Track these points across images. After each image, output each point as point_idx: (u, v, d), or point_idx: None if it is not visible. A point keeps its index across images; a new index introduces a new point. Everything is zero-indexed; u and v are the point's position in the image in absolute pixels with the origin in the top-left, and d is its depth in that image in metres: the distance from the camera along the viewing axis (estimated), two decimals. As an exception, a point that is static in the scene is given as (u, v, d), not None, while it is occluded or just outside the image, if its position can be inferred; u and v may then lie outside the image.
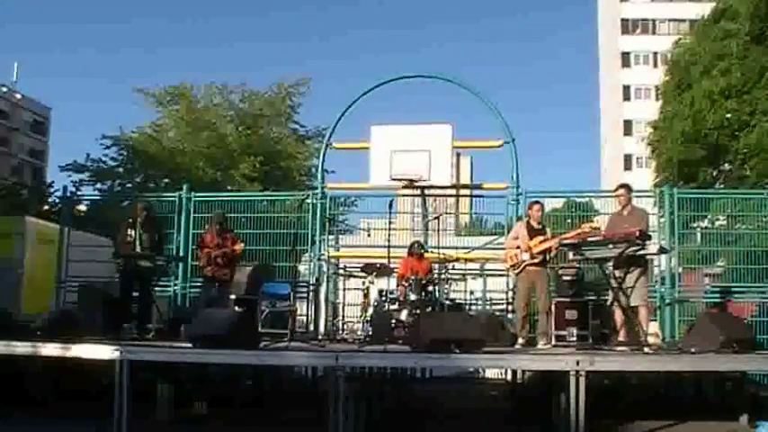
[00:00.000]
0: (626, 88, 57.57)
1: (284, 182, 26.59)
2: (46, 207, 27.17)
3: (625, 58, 58.16)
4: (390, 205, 10.41)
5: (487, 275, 13.24)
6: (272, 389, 10.26)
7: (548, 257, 9.97)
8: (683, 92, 22.36)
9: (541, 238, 9.81)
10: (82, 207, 19.17)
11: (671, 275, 11.92)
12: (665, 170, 23.08)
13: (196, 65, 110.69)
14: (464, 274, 13.07)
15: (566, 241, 9.34)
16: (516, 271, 9.99)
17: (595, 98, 61.13)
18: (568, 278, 10.73)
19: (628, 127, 55.91)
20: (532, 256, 9.72)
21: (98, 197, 24.64)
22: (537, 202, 10.27)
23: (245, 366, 9.15)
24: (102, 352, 7.84)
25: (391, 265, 10.68)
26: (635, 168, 52.72)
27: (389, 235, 10.16)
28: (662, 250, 10.00)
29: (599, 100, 60.13)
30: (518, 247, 9.86)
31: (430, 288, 10.62)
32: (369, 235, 12.85)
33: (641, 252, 8.64)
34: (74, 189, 24.66)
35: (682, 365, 7.77)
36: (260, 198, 15.16)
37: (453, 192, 14.37)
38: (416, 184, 12.48)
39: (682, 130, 21.46)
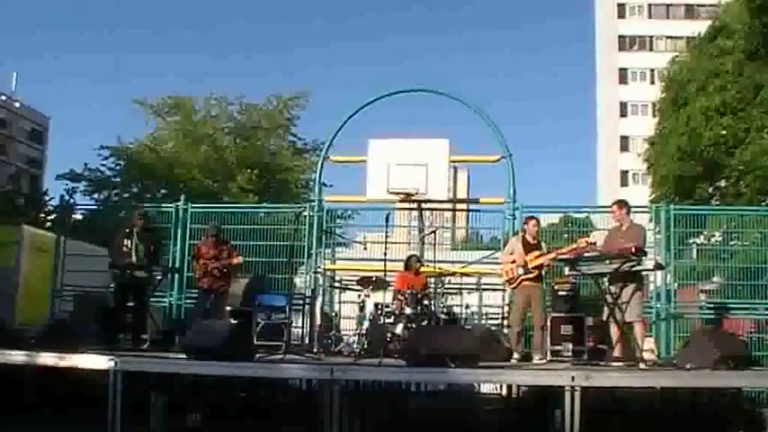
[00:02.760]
0: (623, 104, 57.81)
1: (281, 194, 26.59)
2: (41, 215, 27.13)
3: (622, 75, 58.41)
4: (387, 219, 10.41)
5: (483, 290, 13.25)
6: (267, 401, 10.22)
7: (543, 272, 9.99)
8: (679, 108, 22.49)
9: (537, 252, 9.83)
10: (77, 216, 19.14)
11: (666, 291, 11.92)
12: (662, 186, 23.17)
13: (195, 74, 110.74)
14: (460, 289, 13.07)
15: (562, 256, 9.36)
16: (512, 286, 10.00)
17: (592, 114, 61.36)
18: (564, 293, 10.71)
19: (624, 143, 56.10)
20: (528, 271, 9.73)
21: (95, 206, 24.63)
22: (533, 218, 10.31)
23: (240, 378, 9.11)
24: (97, 362, 7.82)
25: (387, 279, 10.67)
26: (631, 184, 52.86)
27: (386, 248, 10.16)
28: (658, 266, 10.01)
29: (596, 115, 60.31)
30: (514, 262, 9.88)
31: (426, 302, 10.61)
32: (365, 248, 12.87)
33: (637, 268, 8.66)
34: (67, 197, 24.68)
35: (677, 381, 7.76)
36: (257, 210, 15.16)
37: (450, 206, 14.40)
38: (413, 197, 12.48)
39: (678, 146, 21.57)
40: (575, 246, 9.68)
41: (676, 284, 12.29)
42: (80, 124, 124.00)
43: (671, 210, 12.35)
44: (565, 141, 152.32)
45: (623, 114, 57.68)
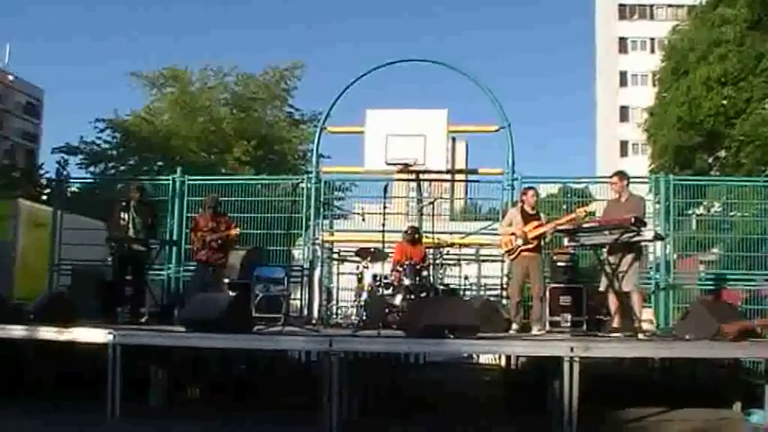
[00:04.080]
0: (623, 74, 57.44)
1: (278, 166, 26.57)
2: (37, 189, 27.09)
3: (622, 44, 57.95)
4: (385, 190, 10.40)
5: (482, 261, 13.27)
6: (266, 373, 10.27)
7: (542, 243, 9.98)
8: (679, 78, 22.36)
9: (536, 223, 9.81)
10: (74, 189, 19.09)
11: (666, 262, 11.95)
12: (661, 157, 23.12)
13: (190, 51, 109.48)
14: (459, 260, 13.10)
15: (561, 227, 9.34)
16: (511, 257, 10.00)
17: (591, 84, 61.04)
18: (563, 264, 10.75)
19: (624, 113, 55.87)
20: (527, 242, 9.73)
21: (91, 179, 24.58)
22: (531, 188, 10.28)
23: (239, 351, 9.14)
24: (96, 335, 7.83)
25: (386, 250, 10.67)
26: (631, 155, 52.74)
27: (384, 220, 10.16)
28: (657, 237, 9.99)
29: (595, 86, 60.00)
30: (513, 233, 9.87)
31: (424, 273, 10.63)
32: (363, 219, 12.88)
33: (636, 238, 8.64)
34: (60, 168, 24.59)
35: (675, 352, 7.78)
36: (254, 182, 15.14)
37: (448, 177, 14.38)
38: (411, 168, 12.45)
39: (678, 116, 21.49)
40: (572, 215, 9.67)
41: (675, 255, 12.31)
42: (74, 104, 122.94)
43: (670, 180, 12.34)
44: (565, 114, 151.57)
45: (623, 84, 57.37)
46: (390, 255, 11.03)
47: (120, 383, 7.48)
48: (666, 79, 23.91)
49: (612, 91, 57.10)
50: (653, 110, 25.04)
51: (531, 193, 10.10)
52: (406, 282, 10.30)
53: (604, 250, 8.95)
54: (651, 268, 12.05)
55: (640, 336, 8.42)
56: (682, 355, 7.88)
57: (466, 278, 12.98)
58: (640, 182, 12.56)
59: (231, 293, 10.22)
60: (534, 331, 9.63)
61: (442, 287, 11.08)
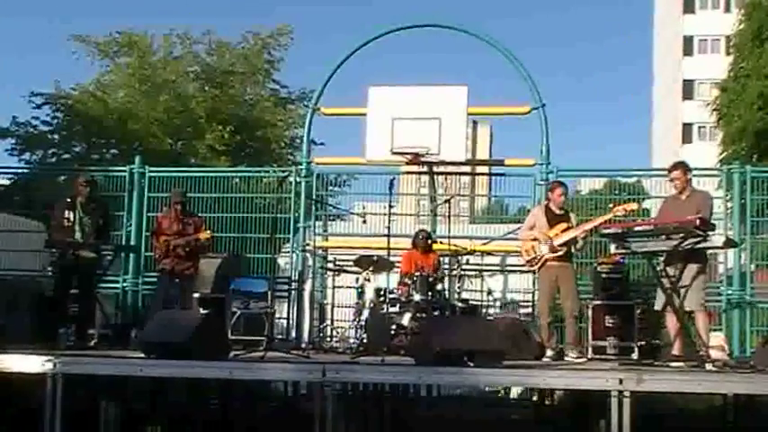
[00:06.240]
0: (687, 40, 57.22)
1: (260, 156, 26.67)
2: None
3: (687, 2, 57.79)
4: (391, 185, 10.45)
5: (509, 272, 13.31)
6: (244, 410, 10.35)
7: (573, 250, 10.00)
8: (763, 43, 22.24)
9: (564, 225, 9.83)
10: (3, 182, 19.18)
11: (740, 274, 11.97)
12: (736, 142, 23.04)
13: (151, 14, 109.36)
14: (480, 270, 13.14)
15: (606, 231, 9.36)
16: (533, 266, 10.05)
17: (648, 54, 61.00)
18: (608, 276, 10.78)
19: (688, 88, 55.71)
20: (553, 249, 9.76)
21: (26, 170, 24.67)
22: (560, 184, 10.26)
23: (211, 382, 9.22)
24: (30, 364, 7.86)
25: (391, 259, 10.75)
26: (696, 140, 52.70)
27: (390, 222, 10.22)
28: (729, 243, 9.99)
29: (652, 55, 59.95)
30: (535, 239, 9.90)
31: (438, 287, 10.72)
32: (364, 221, 12.93)
33: (703, 245, 8.63)
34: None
35: (755, 387, 7.77)
36: (231, 175, 15.26)
37: (468, 169, 14.46)
38: (423, 159, 12.52)
39: (760, 91, 21.39)
40: (607, 216, 9.70)
41: (753, 265, 12.30)
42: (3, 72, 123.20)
43: (747, 172, 12.35)
44: (613, 93, 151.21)
45: (687, 53, 57.17)
46: (397, 264, 11.11)
47: (63, 420, 7.54)
48: (745, 45, 23.80)
49: (674, 61, 57.01)
50: (726, 84, 24.98)
51: (558, 191, 10.07)
52: (417, 297, 10.38)
53: (661, 259, 8.97)
54: (721, 282, 12.09)
55: (708, 366, 8.42)
56: (763, 392, 7.87)
57: (489, 293, 13.02)
58: (708, 174, 12.58)
59: (202, 311, 10.31)
60: (569, 358, 9.66)
61: (459, 304, 11.13)
